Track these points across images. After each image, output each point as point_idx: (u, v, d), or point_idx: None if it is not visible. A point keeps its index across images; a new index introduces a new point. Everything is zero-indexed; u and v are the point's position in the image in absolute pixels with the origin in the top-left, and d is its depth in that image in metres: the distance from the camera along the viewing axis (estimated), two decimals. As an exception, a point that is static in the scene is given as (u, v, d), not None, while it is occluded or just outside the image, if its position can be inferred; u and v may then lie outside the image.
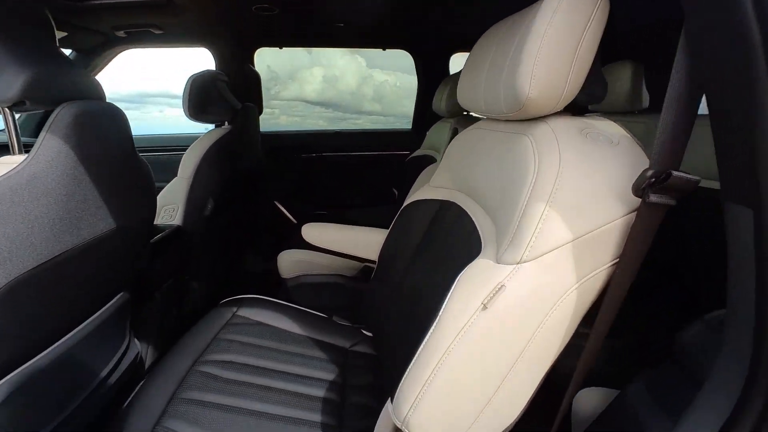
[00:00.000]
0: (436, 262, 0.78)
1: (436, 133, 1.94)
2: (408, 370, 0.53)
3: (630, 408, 0.63)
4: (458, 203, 0.79)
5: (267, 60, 3.98)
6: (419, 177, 1.79)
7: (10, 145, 0.68)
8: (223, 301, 1.11)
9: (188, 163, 1.48)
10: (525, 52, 0.51)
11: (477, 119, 1.71)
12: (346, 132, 2.35)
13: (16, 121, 0.69)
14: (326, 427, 0.75)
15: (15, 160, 0.62)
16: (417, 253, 0.91)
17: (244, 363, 0.88)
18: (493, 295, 0.47)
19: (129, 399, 0.76)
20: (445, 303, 0.52)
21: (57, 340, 0.79)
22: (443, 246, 0.77)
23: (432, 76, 2.17)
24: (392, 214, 1.40)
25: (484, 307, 0.47)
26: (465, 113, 1.73)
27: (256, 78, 2.02)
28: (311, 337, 1.02)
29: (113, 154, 0.80)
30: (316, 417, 0.77)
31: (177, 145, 2.12)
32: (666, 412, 0.55)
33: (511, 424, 0.54)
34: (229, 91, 1.73)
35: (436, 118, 1.97)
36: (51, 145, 0.65)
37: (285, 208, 2.27)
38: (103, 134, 0.76)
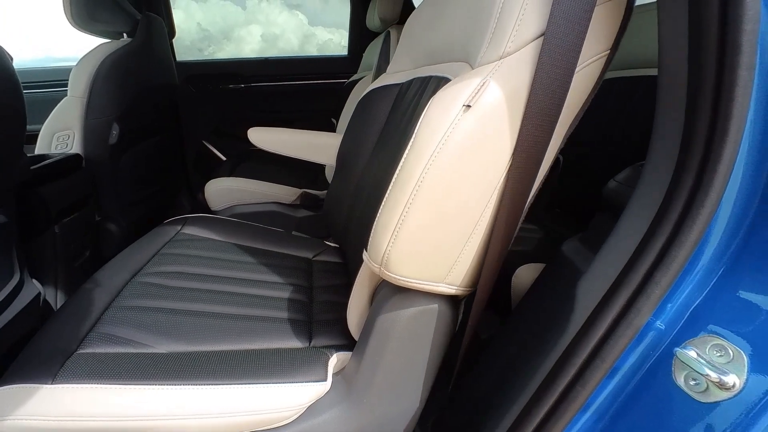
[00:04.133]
0: (400, 137, 0.71)
1: (371, 51, 1.81)
2: (382, 206, 0.47)
3: (566, 260, 0.62)
4: (420, 75, 0.72)
5: (197, 17, 3.53)
6: (351, 93, 1.68)
7: None
8: (165, 221, 0.98)
9: (79, 79, 1.25)
10: None
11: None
12: (275, 59, 2.15)
13: None
14: (294, 323, 0.69)
15: None
16: (380, 141, 0.84)
17: (193, 272, 0.77)
18: (477, 93, 0.40)
19: (55, 312, 0.64)
20: (418, 124, 0.45)
21: None
22: (410, 119, 0.70)
23: (365, -7, 2.01)
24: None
25: (467, 108, 0.40)
26: (399, 23, 1.62)
27: (160, -11, 1.74)
28: (270, 249, 0.94)
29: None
30: (284, 314, 0.71)
31: (58, 80, 1.81)
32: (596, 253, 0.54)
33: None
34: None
35: (371, 38, 1.84)
36: None
37: (213, 146, 2.07)
38: None
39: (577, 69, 0.41)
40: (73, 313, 0.62)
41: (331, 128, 2.14)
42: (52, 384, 0.49)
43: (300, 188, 1.49)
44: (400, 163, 0.45)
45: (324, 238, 1.09)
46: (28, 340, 1.04)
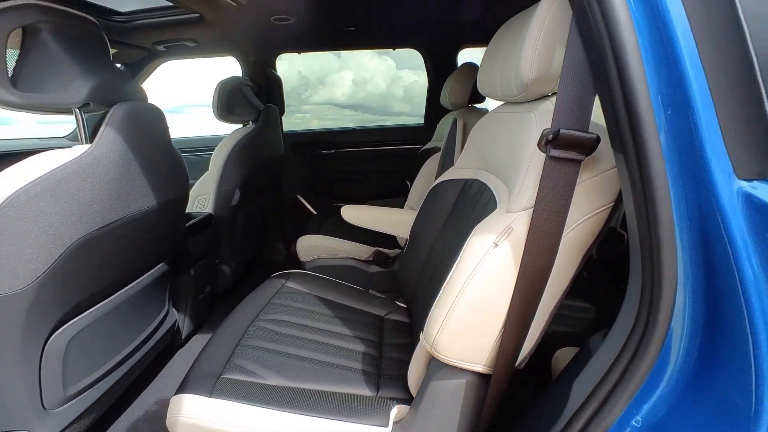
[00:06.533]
0: (460, 229, 0.90)
1: (443, 125, 2.05)
2: (435, 302, 0.65)
3: (588, 355, 0.73)
4: (480, 179, 0.91)
5: (298, 66, 4.20)
6: (423, 166, 1.90)
7: (79, 136, 0.87)
8: (274, 274, 1.27)
9: (218, 159, 1.67)
10: (526, 45, 0.64)
11: (478, 111, 1.80)
12: (361, 129, 2.51)
13: (84, 119, 0.88)
14: (367, 374, 0.88)
15: (83, 148, 0.81)
16: (444, 226, 1.04)
17: (295, 322, 1.02)
18: (503, 235, 0.58)
19: (204, 345, 0.90)
20: (464, 247, 0.63)
21: (110, 296, 0.98)
22: (468, 216, 0.89)
23: (441, 71, 2.29)
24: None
25: (496, 246, 0.58)
26: (468, 105, 1.83)
27: (278, 82, 2.21)
28: (351, 306, 1.17)
29: (154, 144, 0.98)
30: (358, 365, 0.91)
31: (207, 146, 2.37)
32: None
33: (526, 354, 0.65)
34: (254, 94, 1.93)
35: (446, 111, 2.08)
36: (108, 136, 0.83)
37: (305, 200, 2.45)
38: (146, 128, 0.94)
39: (584, 218, 0.56)
40: (218, 345, 0.88)
41: (405, 189, 2.39)
42: (210, 397, 0.73)
43: (373, 246, 1.72)
44: (450, 273, 0.63)
45: (395, 297, 1.28)
46: (164, 355, 1.37)
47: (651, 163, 0.41)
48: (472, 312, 0.59)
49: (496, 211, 0.67)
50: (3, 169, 1.42)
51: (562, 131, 0.50)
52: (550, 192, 0.53)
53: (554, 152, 0.52)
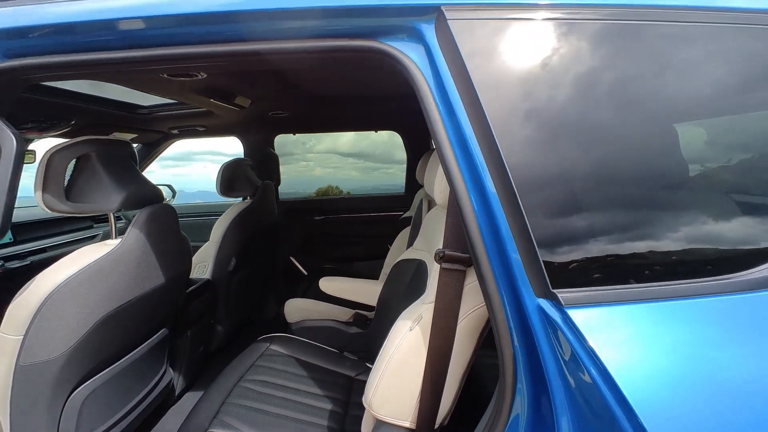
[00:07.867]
0: (411, 303, 1.10)
1: (418, 197, 2.32)
2: (373, 368, 0.85)
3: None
4: (425, 262, 1.14)
5: None
6: (396, 238, 2.16)
7: (111, 232, 1.12)
8: (259, 338, 1.46)
9: (218, 230, 1.92)
10: (437, 179, 0.91)
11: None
12: (349, 197, 2.80)
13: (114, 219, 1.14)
14: (332, 430, 1.06)
15: (113, 242, 1.05)
16: (402, 298, 1.23)
17: (274, 382, 1.20)
18: (416, 322, 0.80)
19: (195, 403, 1.07)
20: (392, 328, 0.85)
21: (121, 358, 1.18)
22: (415, 292, 1.09)
23: (417, 150, 2.62)
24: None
25: (411, 329, 0.80)
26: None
27: (275, 159, 2.53)
28: (325, 367, 1.35)
29: (166, 235, 1.23)
30: (325, 422, 1.08)
31: (209, 212, 2.65)
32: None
33: (445, 413, 0.83)
34: (253, 170, 2.22)
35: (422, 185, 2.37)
36: (133, 234, 1.08)
37: (297, 262, 2.67)
38: (162, 224, 1.20)
39: (472, 310, 0.78)
40: (208, 401, 1.07)
41: (386, 252, 2.62)
42: None
43: (354, 309, 1.91)
44: (383, 347, 0.84)
45: (368, 358, 1.46)
46: (158, 412, 1.52)
47: (488, 282, 0.65)
48: (396, 378, 0.80)
49: (419, 299, 0.90)
50: (43, 234, 1.66)
51: (446, 252, 0.74)
52: (445, 292, 0.76)
53: (445, 265, 0.75)
